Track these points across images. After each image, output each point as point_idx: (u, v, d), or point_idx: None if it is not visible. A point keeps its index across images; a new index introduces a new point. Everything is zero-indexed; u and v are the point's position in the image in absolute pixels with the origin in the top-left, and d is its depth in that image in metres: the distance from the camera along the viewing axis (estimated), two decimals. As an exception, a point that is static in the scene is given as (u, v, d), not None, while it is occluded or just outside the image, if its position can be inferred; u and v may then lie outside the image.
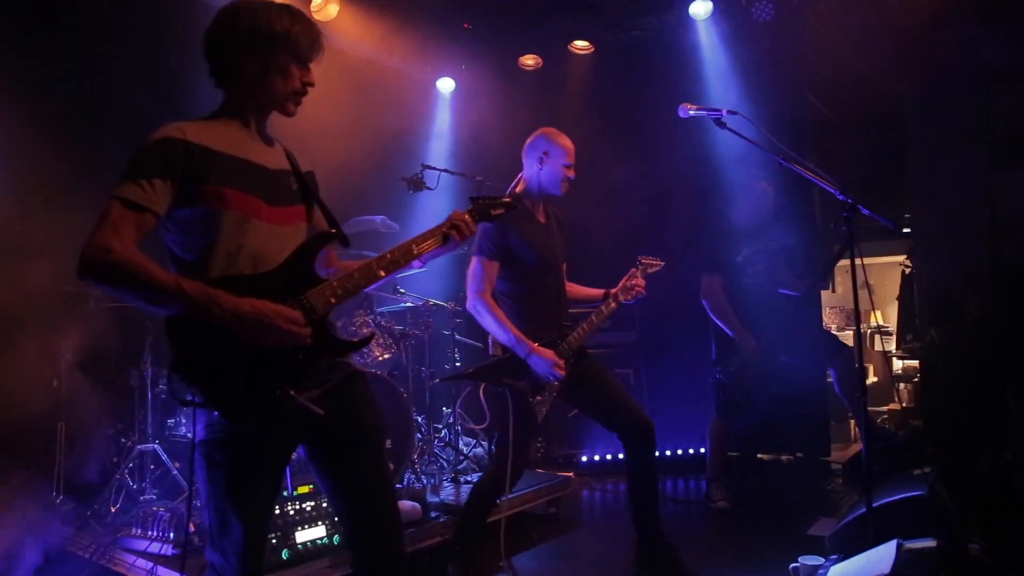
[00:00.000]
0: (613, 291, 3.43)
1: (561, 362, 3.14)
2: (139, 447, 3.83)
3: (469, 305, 3.21)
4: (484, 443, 4.73)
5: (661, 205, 5.53)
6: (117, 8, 4.26)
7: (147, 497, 3.73)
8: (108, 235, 1.63)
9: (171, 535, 3.15)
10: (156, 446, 3.84)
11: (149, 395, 3.91)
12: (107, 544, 3.33)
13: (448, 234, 2.08)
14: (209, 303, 1.64)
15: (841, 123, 6.98)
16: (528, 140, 3.40)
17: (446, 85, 6.24)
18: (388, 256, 1.97)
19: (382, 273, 1.95)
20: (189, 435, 3.94)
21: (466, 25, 5.86)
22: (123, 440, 3.99)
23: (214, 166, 1.77)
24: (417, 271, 2.28)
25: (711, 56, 5.71)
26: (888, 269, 7.68)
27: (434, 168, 4.61)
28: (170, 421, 3.99)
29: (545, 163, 3.31)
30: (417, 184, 4.52)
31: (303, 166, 2.06)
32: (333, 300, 1.85)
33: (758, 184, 4.68)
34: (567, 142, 3.37)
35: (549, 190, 3.35)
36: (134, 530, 3.28)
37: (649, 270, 3.49)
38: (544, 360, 3.10)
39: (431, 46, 5.89)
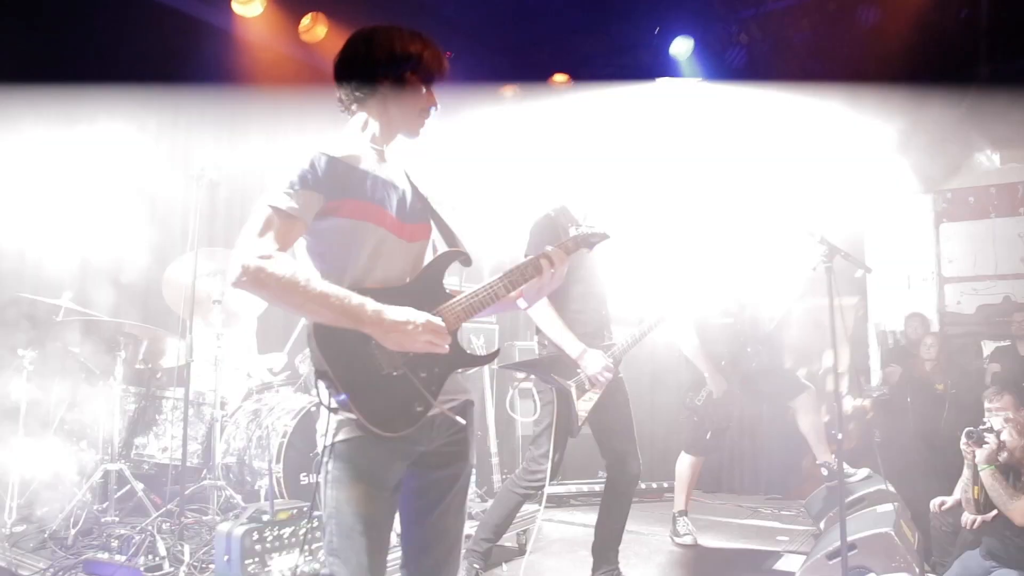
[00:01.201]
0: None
1: (610, 364, 3.24)
2: (104, 466, 3.69)
3: (525, 308, 3.24)
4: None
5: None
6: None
7: (109, 519, 3.58)
8: (265, 243, 1.70)
9: (140, 559, 3.05)
10: (122, 465, 3.71)
11: (118, 412, 3.79)
12: (68, 568, 3.19)
13: (542, 262, 2.05)
14: (360, 311, 1.70)
15: (802, 167, 7.24)
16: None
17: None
18: (507, 276, 2.01)
19: (503, 292, 1.98)
20: (159, 455, 3.86)
21: (448, 54, 5.91)
22: (85, 458, 3.84)
23: (355, 181, 1.85)
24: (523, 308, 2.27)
25: (683, 92, 5.88)
26: (842, 312, 7.95)
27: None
28: (138, 440, 3.86)
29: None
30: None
31: (423, 186, 2.11)
32: (464, 315, 1.91)
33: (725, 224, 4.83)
34: (568, 212, 3.48)
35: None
36: (101, 553, 3.16)
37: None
38: (596, 362, 3.20)
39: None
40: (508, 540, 4.34)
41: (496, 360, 4.57)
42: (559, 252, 2.09)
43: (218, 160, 3.85)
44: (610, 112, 5.87)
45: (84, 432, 3.95)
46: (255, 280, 1.67)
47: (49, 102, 3.95)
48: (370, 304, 1.72)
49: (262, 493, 3.60)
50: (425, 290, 1.89)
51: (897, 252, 6.65)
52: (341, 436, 1.79)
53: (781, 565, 4.09)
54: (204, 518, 3.52)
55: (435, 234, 2.06)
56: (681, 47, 5.53)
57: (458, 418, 1.87)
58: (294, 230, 1.75)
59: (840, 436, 3.19)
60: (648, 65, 6.02)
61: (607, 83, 6.17)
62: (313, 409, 3.75)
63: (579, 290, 3.39)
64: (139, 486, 3.69)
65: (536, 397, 3.27)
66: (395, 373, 1.78)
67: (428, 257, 2.00)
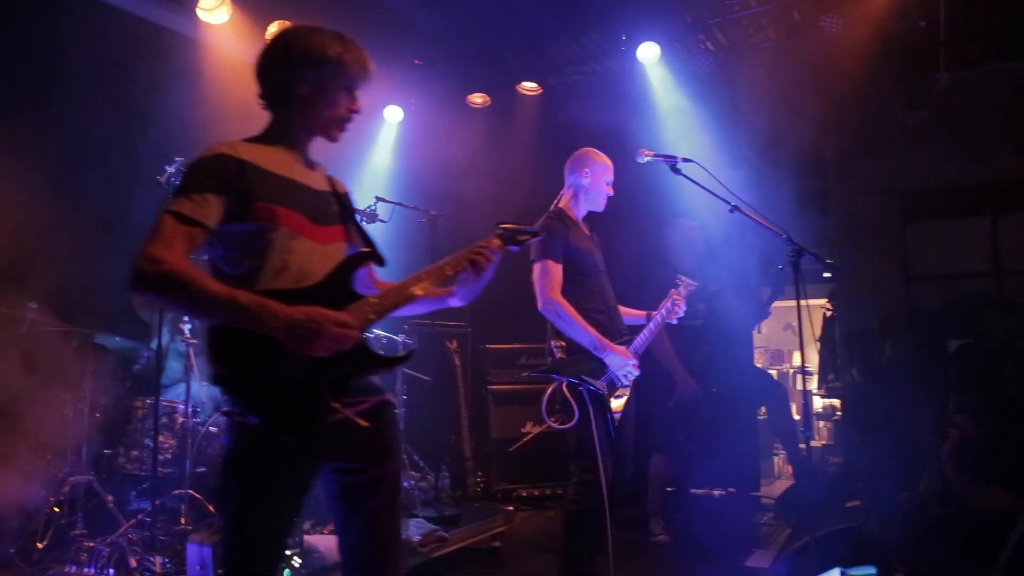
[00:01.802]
0: (654, 313, 3.46)
1: (636, 361, 3.16)
2: (72, 478, 3.63)
3: (542, 307, 3.17)
4: (430, 476, 4.70)
5: (609, 245, 5.74)
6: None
7: (78, 532, 3.52)
8: (160, 247, 1.66)
9: (111, 572, 3.01)
10: (91, 478, 3.65)
11: (86, 423, 3.73)
12: (36, 583, 3.15)
13: (473, 258, 2.07)
14: (261, 311, 1.66)
15: (770, 172, 7.36)
16: (572, 158, 3.46)
17: (394, 114, 6.26)
18: (423, 276, 2.00)
19: (418, 292, 1.97)
20: (128, 466, 3.81)
21: (416, 61, 5.94)
22: (52, 471, 3.78)
23: (266, 184, 1.82)
24: (458, 306, 2.25)
25: (657, 101, 5.95)
26: (810, 311, 8.06)
27: (388, 201, 4.63)
28: (106, 451, 3.81)
29: (588, 180, 3.39)
30: (371, 217, 4.52)
31: (343, 187, 2.12)
32: (372, 316, 1.87)
33: (680, 221, 4.88)
34: (608, 160, 3.45)
35: (591, 206, 3.44)
36: (68, 567, 3.12)
37: (688, 289, 3.50)
38: (622, 359, 3.12)
39: (382, 79, 5.93)
40: (485, 544, 4.35)
41: (483, 368, 4.59)
42: (486, 250, 2.09)
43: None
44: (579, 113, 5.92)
45: (51, 444, 3.88)
46: (152, 284, 1.65)
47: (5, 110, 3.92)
48: (271, 304, 1.68)
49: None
50: (334, 291, 1.85)
51: (865, 251, 6.77)
52: (240, 439, 1.78)
53: (753, 561, 4.14)
54: (176, 529, 3.48)
55: (355, 238, 2.06)
56: (648, 53, 5.59)
57: (360, 420, 1.80)
58: (194, 235, 1.72)
59: (810, 434, 3.23)
60: (616, 72, 6.09)
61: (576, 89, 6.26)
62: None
63: (594, 284, 3.30)
64: (108, 498, 3.64)
65: (572, 403, 3.07)
66: (297, 375, 1.73)
67: None
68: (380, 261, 2.02)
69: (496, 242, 2.18)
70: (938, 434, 3.54)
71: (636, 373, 3.15)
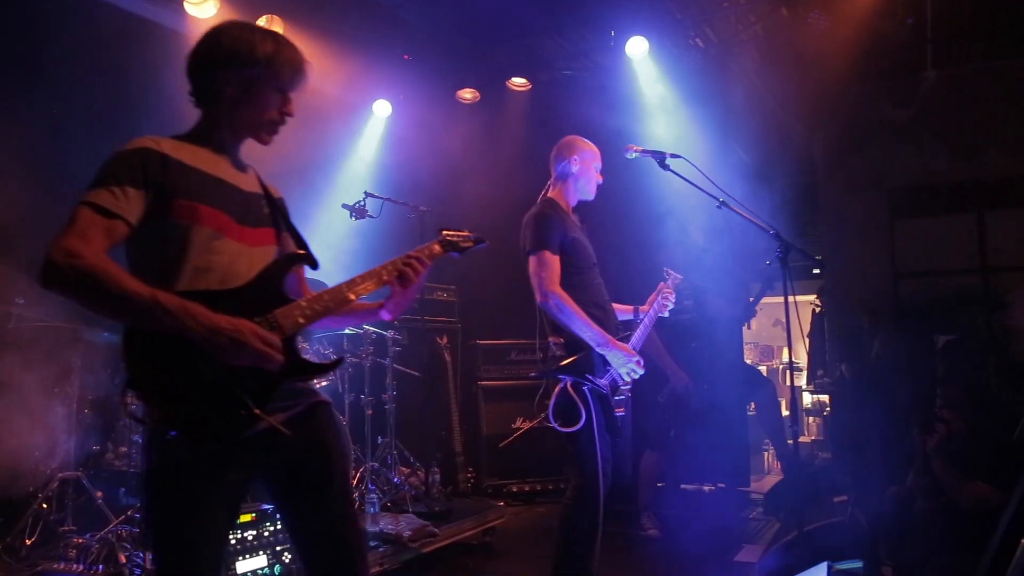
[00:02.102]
0: (643, 307, 3.39)
1: (639, 358, 3.02)
2: (60, 475, 3.61)
3: (541, 300, 3.03)
4: (421, 472, 4.70)
5: (597, 243, 5.77)
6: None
7: (66, 529, 3.51)
8: (76, 240, 1.55)
9: (100, 568, 3.00)
10: (79, 474, 3.64)
11: (74, 419, 3.72)
12: (24, 579, 3.14)
13: (403, 270, 2.00)
14: (185, 315, 1.57)
15: (759, 167, 7.40)
16: (558, 146, 3.33)
17: (382, 109, 6.24)
18: (358, 280, 1.92)
19: (352, 296, 1.89)
20: (117, 463, 3.79)
21: (406, 56, 5.93)
22: (40, 467, 3.76)
23: (189, 181, 1.74)
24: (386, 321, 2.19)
25: (646, 96, 5.96)
26: (799, 308, 8.12)
27: (377, 196, 4.62)
28: (95, 447, 3.79)
29: (578, 167, 3.25)
30: (360, 212, 4.51)
31: (277, 192, 2.05)
32: (302, 320, 1.79)
33: (671, 218, 4.92)
34: (595, 147, 3.33)
35: (582, 195, 3.31)
36: (57, 563, 3.11)
37: (675, 281, 3.43)
38: (625, 355, 3.00)
39: (371, 74, 5.93)
40: (475, 539, 4.36)
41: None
42: (416, 261, 2.01)
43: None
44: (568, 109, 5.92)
45: (39, 440, 3.86)
46: (66, 279, 1.54)
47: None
48: (195, 308, 1.59)
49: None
50: (261, 294, 1.77)
51: (853, 248, 6.80)
52: (160, 452, 1.69)
53: (742, 556, 4.16)
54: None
55: (288, 243, 1.98)
56: (636, 48, 5.60)
57: (282, 430, 1.73)
58: (115, 230, 1.62)
59: (799, 430, 3.24)
60: (606, 68, 6.09)
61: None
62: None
63: (588, 278, 3.16)
64: (98, 494, 3.62)
65: (579, 404, 2.92)
66: (218, 382, 1.64)
67: None
68: (313, 264, 1.95)
69: (436, 248, 2.13)
70: (924, 429, 3.57)
71: (640, 371, 3.03)
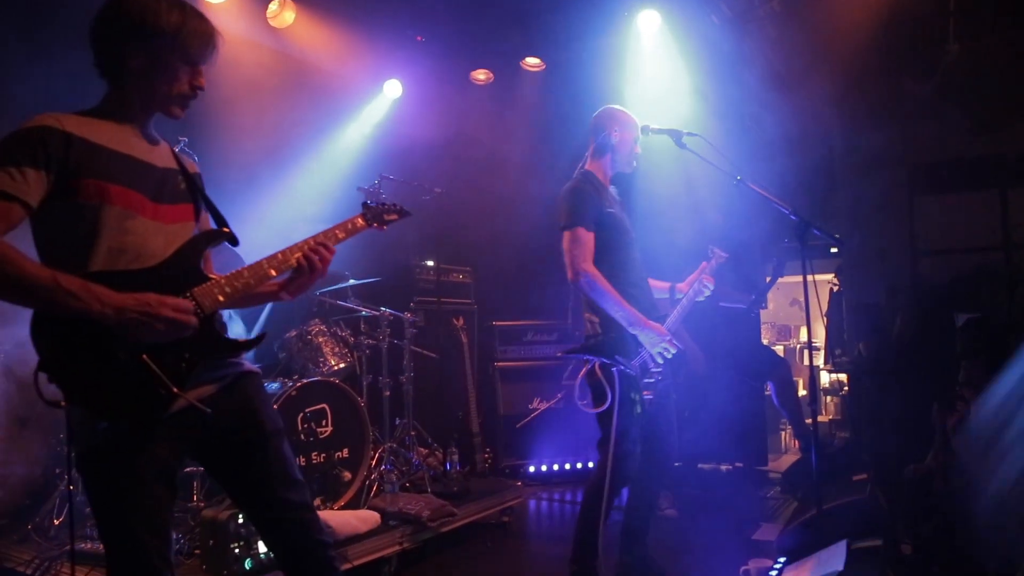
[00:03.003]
0: (681, 285, 3.34)
1: (671, 338, 2.97)
2: (85, 457, 3.67)
3: (572, 277, 2.97)
4: (439, 452, 4.74)
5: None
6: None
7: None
8: None
9: (125, 547, 3.05)
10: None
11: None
12: (54, 558, 3.20)
13: (309, 256, 1.94)
14: (89, 298, 1.55)
15: (775, 144, 7.32)
16: (596, 116, 3.25)
17: (393, 89, 6.23)
18: (279, 255, 1.91)
19: (272, 272, 1.88)
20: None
21: (419, 38, 5.89)
22: (66, 449, 3.83)
23: (95, 160, 1.68)
24: (359, 282, 2.19)
25: (658, 74, 5.90)
26: (817, 286, 8.07)
27: (391, 179, 4.62)
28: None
29: (617, 138, 3.17)
30: (374, 195, 4.50)
31: (194, 167, 2.04)
32: (221, 298, 1.79)
33: (694, 200, 4.89)
34: (634, 118, 3.25)
35: (620, 167, 3.24)
36: (85, 543, 3.17)
37: (719, 260, 3.39)
38: (658, 335, 2.93)
39: (385, 57, 5.91)
40: (493, 519, 4.40)
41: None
42: (323, 248, 1.95)
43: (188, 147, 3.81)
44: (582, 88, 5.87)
45: (61, 425, 3.92)
46: None
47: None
48: (97, 289, 1.56)
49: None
50: (178, 273, 1.75)
51: (871, 225, 6.73)
52: (86, 435, 1.70)
53: (760, 535, 4.17)
54: (188, 505, 3.52)
55: (206, 218, 1.96)
56: (648, 22, 5.53)
57: (202, 408, 1.73)
58: (11, 212, 1.57)
59: (817, 408, 3.22)
60: (619, 46, 6.02)
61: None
62: (295, 395, 3.76)
63: (625, 255, 3.08)
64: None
65: (606, 385, 2.89)
66: (133, 363, 1.63)
67: None
68: (233, 241, 1.93)
69: (360, 221, 2.12)
70: (944, 407, 3.54)
71: (672, 350, 2.97)
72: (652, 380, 3.00)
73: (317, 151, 5.33)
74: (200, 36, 1.80)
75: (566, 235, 3.01)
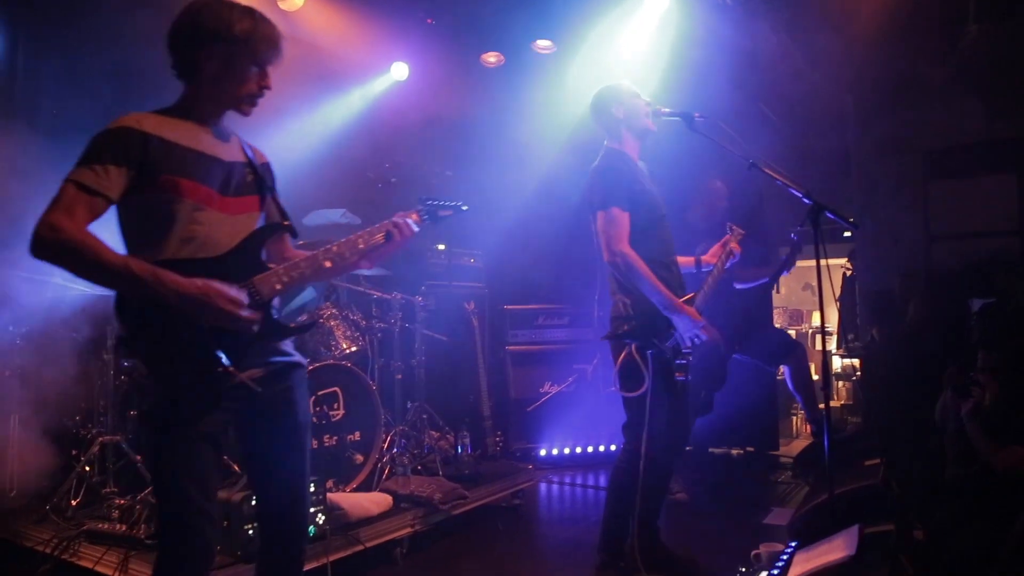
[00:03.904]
0: (705, 257, 3.32)
1: (705, 323, 2.94)
2: (101, 439, 3.71)
3: (608, 258, 2.95)
4: (450, 436, 4.76)
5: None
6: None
7: (109, 491, 3.61)
8: (60, 215, 1.71)
9: (142, 527, 3.09)
10: (119, 438, 3.73)
11: (111, 385, 3.80)
12: (71, 538, 3.23)
13: (391, 231, 2.17)
14: (156, 282, 1.72)
15: (787, 129, 7.25)
16: (592, 104, 3.22)
17: (402, 72, 6.19)
18: (334, 248, 2.07)
19: (328, 264, 2.05)
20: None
21: (429, 20, 5.86)
22: (82, 432, 3.87)
23: (169, 156, 1.84)
24: (369, 272, 2.34)
25: (667, 56, 5.83)
26: (830, 271, 8.02)
27: (402, 162, 4.62)
28: (132, 412, 3.88)
29: (622, 111, 3.12)
30: (385, 180, 4.51)
31: (263, 157, 2.18)
32: (278, 286, 1.96)
33: (712, 183, 4.84)
34: (626, 82, 3.21)
35: (642, 134, 3.17)
36: (102, 523, 3.20)
37: (738, 236, 3.37)
38: (692, 320, 2.91)
39: (394, 40, 5.88)
40: (504, 502, 4.42)
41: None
42: (412, 226, 2.18)
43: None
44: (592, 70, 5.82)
45: (79, 406, 3.97)
46: (49, 251, 1.70)
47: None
48: (165, 275, 1.74)
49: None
50: (240, 261, 1.92)
51: (886, 209, 6.67)
52: (152, 399, 1.91)
53: (771, 519, 4.17)
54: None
55: (272, 209, 2.13)
56: (658, 2, 5.46)
57: (253, 385, 1.91)
58: (95, 205, 1.76)
59: (829, 393, 3.20)
60: (631, 28, 5.96)
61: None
62: (306, 378, 3.77)
63: (656, 234, 3.04)
64: (137, 457, 3.72)
65: (642, 368, 2.89)
66: (197, 340, 1.81)
67: None
68: (292, 233, 2.12)
69: (414, 217, 2.26)
70: (959, 393, 3.52)
71: (704, 337, 2.95)
72: (683, 363, 2.99)
73: (325, 135, 5.30)
74: (268, 40, 1.96)
75: (600, 215, 2.97)
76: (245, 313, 1.83)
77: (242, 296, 1.84)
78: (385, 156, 4.70)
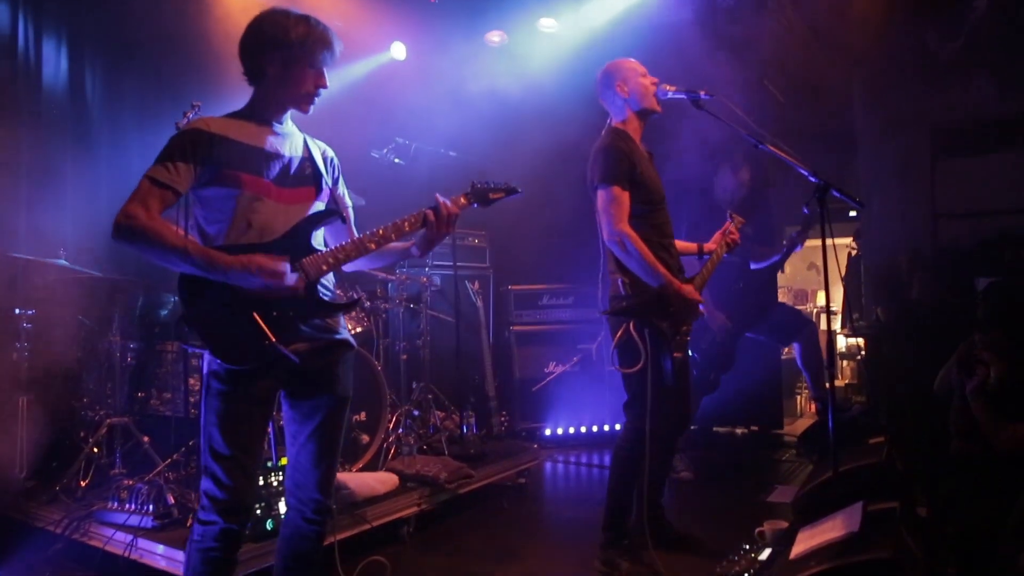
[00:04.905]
0: (708, 245, 3.35)
1: (702, 302, 2.97)
2: (109, 420, 3.74)
3: (608, 237, 2.96)
4: (455, 416, 4.78)
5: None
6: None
7: (117, 472, 3.65)
8: (135, 206, 1.99)
9: (150, 508, 3.12)
10: (127, 419, 3.76)
11: (118, 367, 3.82)
12: (81, 518, 3.27)
13: (428, 215, 2.24)
14: (207, 263, 1.99)
15: (793, 107, 7.19)
16: (598, 80, 3.20)
17: (404, 51, 6.14)
18: (380, 232, 2.21)
19: (372, 246, 2.20)
20: (161, 408, 3.91)
21: (433, 0, 5.81)
22: (90, 414, 3.90)
23: (232, 154, 2.09)
24: (418, 258, 2.43)
25: (674, 35, 5.78)
26: (835, 250, 7.98)
27: (407, 142, 4.60)
28: (140, 394, 3.90)
29: (625, 89, 3.11)
30: (389, 159, 4.50)
31: (328, 152, 2.40)
32: (325, 267, 2.17)
33: (725, 165, 4.82)
34: (630, 60, 3.19)
35: (645, 107, 3.13)
36: (110, 504, 3.23)
37: (739, 225, 3.41)
38: (688, 299, 2.94)
39: (397, 18, 5.84)
40: (509, 480, 4.45)
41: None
42: (451, 206, 2.27)
43: (201, 113, 3.81)
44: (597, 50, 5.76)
45: (87, 388, 3.99)
46: (125, 236, 1.98)
47: None
48: (216, 255, 2.00)
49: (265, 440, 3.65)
50: (291, 245, 2.13)
51: (892, 188, 6.63)
52: (211, 367, 2.09)
53: (775, 497, 4.19)
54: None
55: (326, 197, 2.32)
56: None
57: (292, 357, 2.08)
58: (166, 197, 2.02)
59: (834, 372, 3.20)
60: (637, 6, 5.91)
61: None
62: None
63: (655, 215, 3.05)
64: (145, 439, 3.75)
65: (640, 346, 2.89)
66: (245, 315, 2.05)
67: None
68: (343, 220, 2.35)
69: (462, 200, 2.36)
70: (964, 371, 3.52)
71: (702, 312, 3.00)
72: (681, 340, 3.02)
73: (327, 114, 5.25)
74: (322, 44, 2.16)
75: (600, 194, 2.98)
76: (287, 281, 2.04)
77: (282, 266, 2.04)
78: (388, 135, 4.67)
